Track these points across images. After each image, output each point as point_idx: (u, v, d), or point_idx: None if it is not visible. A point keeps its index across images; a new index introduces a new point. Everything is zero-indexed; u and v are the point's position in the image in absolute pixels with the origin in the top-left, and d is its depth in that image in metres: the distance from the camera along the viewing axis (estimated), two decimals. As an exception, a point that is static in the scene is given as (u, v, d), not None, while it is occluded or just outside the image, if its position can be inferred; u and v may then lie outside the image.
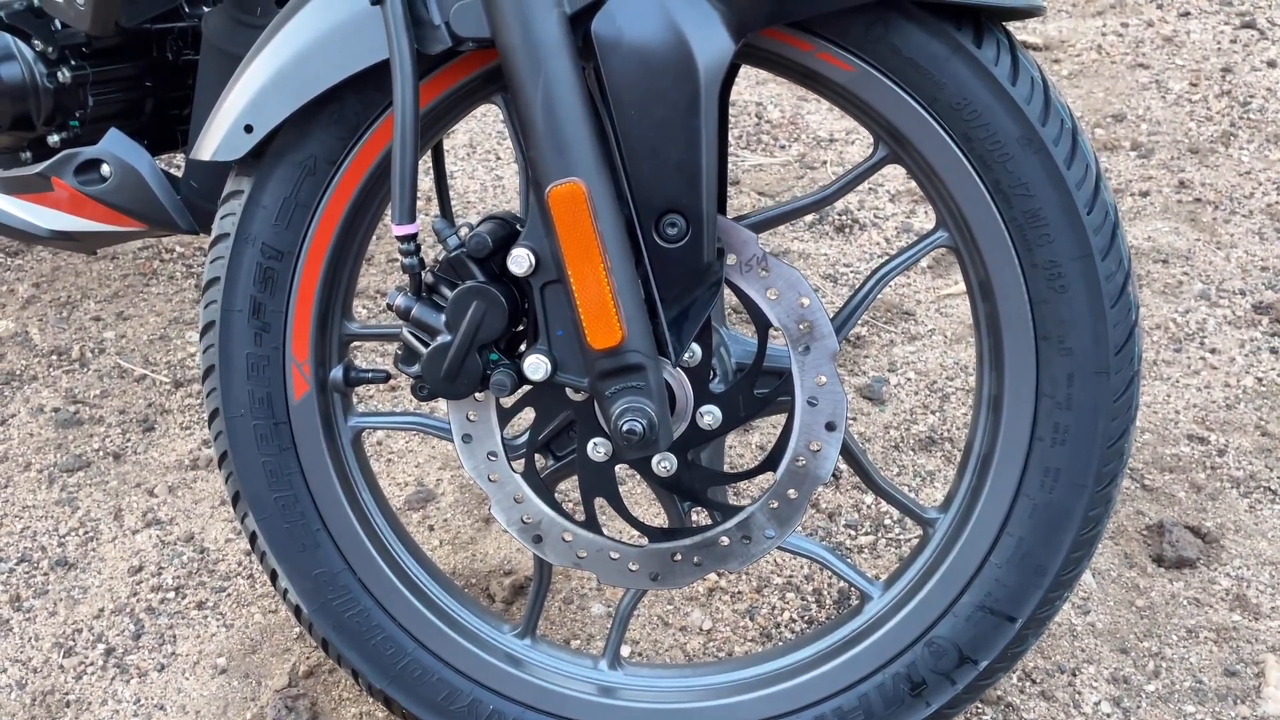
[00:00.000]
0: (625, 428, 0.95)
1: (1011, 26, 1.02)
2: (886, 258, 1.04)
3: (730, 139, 2.88)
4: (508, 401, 1.07)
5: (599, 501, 1.09)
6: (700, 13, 0.91)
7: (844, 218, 2.44)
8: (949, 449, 1.73)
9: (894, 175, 2.65)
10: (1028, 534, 1.05)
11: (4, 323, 2.11)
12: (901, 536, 1.57)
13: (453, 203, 2.66)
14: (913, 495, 1.62)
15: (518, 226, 1.02)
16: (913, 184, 2.57)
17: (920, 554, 1.11)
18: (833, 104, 1.03)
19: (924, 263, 2.28)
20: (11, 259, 2.35)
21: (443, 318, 0.99)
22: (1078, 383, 1.01)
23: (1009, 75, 0.96)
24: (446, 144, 2.91)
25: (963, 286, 1.85)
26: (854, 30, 0.96)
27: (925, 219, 2.45)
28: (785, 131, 2.93)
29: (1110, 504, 1.05)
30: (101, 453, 1.77)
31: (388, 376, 1.17)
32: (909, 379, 1.91)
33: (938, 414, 1.81)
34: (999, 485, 1.06)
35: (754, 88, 3.14)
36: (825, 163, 2.77)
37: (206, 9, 1.53)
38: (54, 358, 2.01)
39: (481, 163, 2.83)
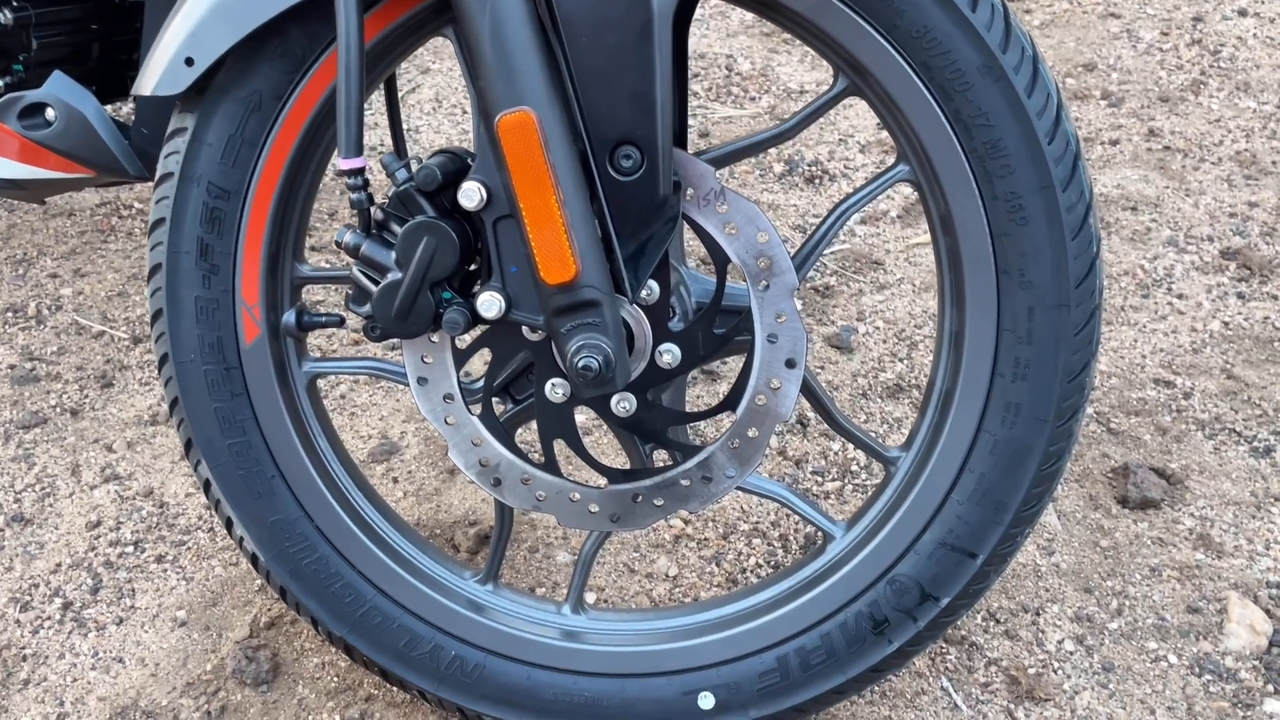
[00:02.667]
0: (581, 364, 0.93)
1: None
2: (849, 194, 1.02)
3: (700, 90, 2.86)
4: (463, 342, 1.05)
5: (559, 445, 1.07)
6: (653, -64, 0.88)
7: (814, 169, 2.42)
8: (916, 396, 1.73)
9: (865, 126, 2.63)
10: (989, 470, 1.05)
11: (-42, 280, 2.07)
12: (868, 482, 1.57)
13: (404, 139, 2.61)
14: (880, 440, 1.61)
15: (469, 160, 0.99)
16: (883, 135, 2.55)
17: (882, 493, 1.11)
18: (792, 34, 1.01)
19: (893, 212, 2.26)
20: (-35, 217, 2.30)
21: (393, 255, 0.96)
22: (1038, 316, 1.00)
23: (969, 2, 0.94)
24: (412, 98, 2.87)
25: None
26: (811, -44, 0.93)
27: (895, 169, 2.43)
28: (755, 83, 2.90)
29: (1071, 439, 1.04)
30: (59, 409, 1.73)
31: (342, 320, 1.15)
32: (877, 328, 1.90)
33: (905, 361, 1.81)
34: (960, 422, 1.05)
35: (724, 40, 3.10)
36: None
37: (152, -53, 1.49)
38: (9, 315, 1.97)
39: (447, 116, 2.79)
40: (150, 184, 1.45)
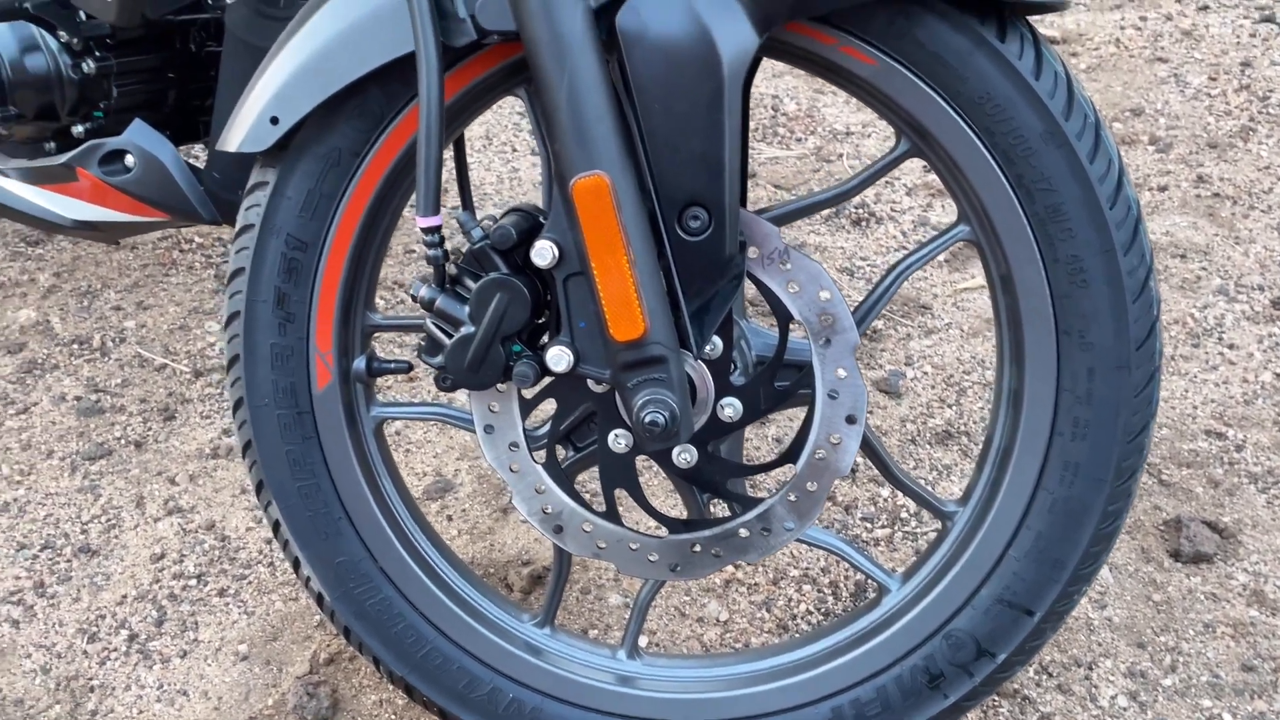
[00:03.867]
0: (647, 419, 0.96)
1: (1033, 20, 1.02)
2: (907, 251, 1.05)
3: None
4: (529, 393, 1.08)
5: (619, 492, 1.09)
6: (724, 6, 0.91)
7: (860, 211, 2.44)
8: (965, 443, 1.74)
9: (911, 169, 2.65)
10: (1047, 528, 1.05)
11: (26, 311, 2.13)
12: (918, 530, 1.57)
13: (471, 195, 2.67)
14: (930, 488, 1.62)
15: (540, 219, 1.02)
16: (930, 178, 2.56)
17: (939, 547, 1.12)
18: (855, 97, 1.03)
19: (941, 257, 2.27)
20: (32, 248, 2.37)
21: (466, 309, 0.99)
22: (1098, 377, 1.01)
23: (1033, 69, 0.96)
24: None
25: (980, 281, 1.85)
26: (877, 24, 0.96)
27: (942, 213, 2.45)
28: (802, 124, 2.92)
29: (1129, 499, 1.05)
30: (123, 441, 1.78)
31: (409, 367, 1.18)
32: (925, 373, 1.91)
33: (954, 408, 1.82)
34: (1018, 479, 1.06)
35: (770, 80, 3.14)
36: (841, 155, 2.77)
37: (229, 1, 1.54)
38: (75, 346, 2.02)
39: (498, 154, 2.84)
40: (214, 225, 1.50)
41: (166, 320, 2.11)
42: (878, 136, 2.87)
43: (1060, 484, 1.04)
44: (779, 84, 3.13)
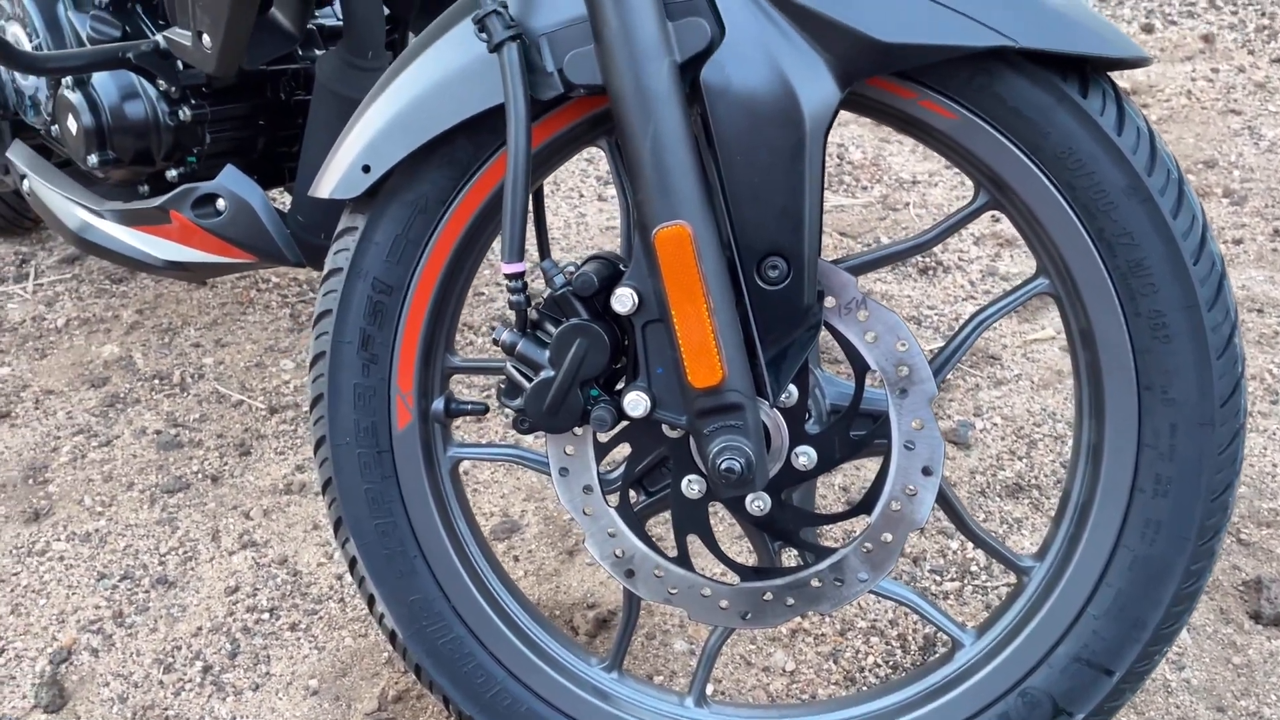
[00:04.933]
0: (724, 466, 0.96)
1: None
2: (986, 302, 1.05)
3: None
4: (604, 436, 1.09)
5: (689, 537, 1.10)
6: (807, 61, 0.93)
7: (927, 259, 2.43)
8: (1037, 496, 1.71)
9: (979, 218, 2.64)
10: (1127, 586, 1.04)
11: (110, 347, 2.20)
12: (988, 584, 1.55)
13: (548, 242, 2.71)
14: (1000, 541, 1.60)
15: (620, 266, 1.04)
16: (997, 227, 2.55)
17: (1015, 602, 1.10)
18: (932, 149, 1.04)
19: (1009, 307, 2.26)
20: (116, 285, 2.45)
21: (547, 353, 1.01)
22: (1181, 434, 1.00)
23: (1115, 125, 0.96)
24: (531, 181, 2.97)
25: (1049, 332, 1.83)
26: (958, 79, 0.97)
27: (1010, 263, 2.43)
28: (867, 173, 2.93)
29: (1213, 558, 1.03)
30: (200, 475, 1.83)
31: (486, 409, 1.20)
32: (995, 424, 1.89)
33: (1025, 460, 1.79)
34: (1098, 535, 1.05)
35: (836, 128, 3.15)
36: (908, 204, 2.77)
37: (319, 53, 1.60)
38: (156, 381, 2.09)
39: (565, 200, 2.89)
40: (298, 266, 1.54)
41: (243, 357, 2.16)
42: (944, 185, 2.87)
43: (1141, 541, 1.03)
44: (844, 132, 3.14)
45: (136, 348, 2.20)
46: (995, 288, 2.34)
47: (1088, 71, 0.97)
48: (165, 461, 1.86)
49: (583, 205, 2.86)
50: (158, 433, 1.93)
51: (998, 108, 0.97)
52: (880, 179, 2.90)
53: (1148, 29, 3.85)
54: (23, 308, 2.37)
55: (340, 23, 1.68)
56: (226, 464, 1.85)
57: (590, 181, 2.98)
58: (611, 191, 2.93)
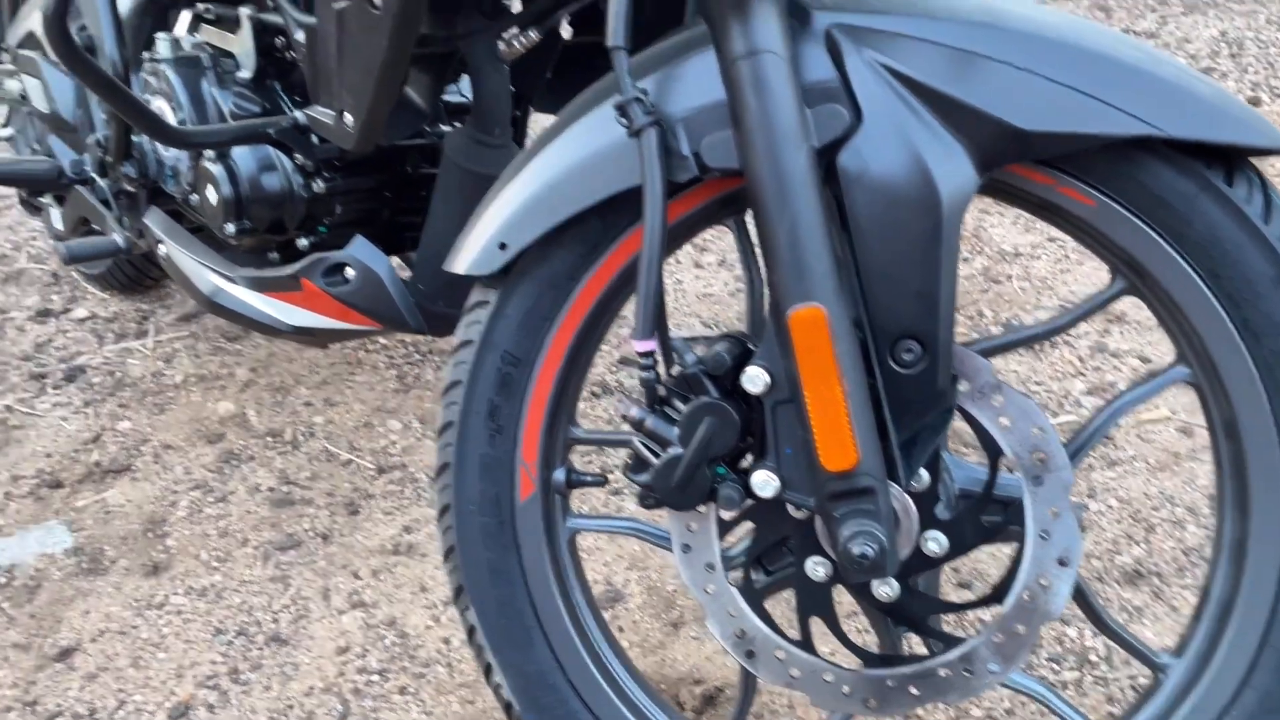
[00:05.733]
0: (856, 552, 0.95)
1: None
2: (1125, 389, 1.03)
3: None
4: (727, 514, 1.09)
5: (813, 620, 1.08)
6: (946, 147, 0.93)
7: (1033, 334, 2.39)
8: (1157, 584, 1.65)
9: (1083, 290, 2.59)
10: (1275, 689, 0.99)
11: (225, 404, 2.28)
12: (1108, 674, 1.50)
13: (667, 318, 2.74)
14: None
15: (750, 345, 1.05)
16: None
17: (1150, 699, 1.06)
18: (1068, 234, 1.03)
19: (1120, 384, 2.20)
20: (231, 343, 2.54)
21: (676, 430, 1.02)
22: (1334, 532, 0.96)
23: (1261, 213, 0.94)
24: (630, 248, 3.01)
25: (1164, 412, 1.78)
26: (1099, 166, 0.96)
27: (1120, 339, 2.38)
28: (968, 244, 2.91)
29: (1368, 663, 0.98)
30: (311, 533, 1.87)
31: (605, 480, 1.21)
32: (1110, 506, 1.83)
33: (1143, 545, 1.74)
34: (1242, 635, 1.01)
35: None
36: (1010, 277, 2.73)
37: (446, 129, 1.66)
38: (269, 439, 2.15)
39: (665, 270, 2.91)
40: (419, 334, 1.58)
41: (352, 417, 2.21)
42: (1047, 258, 2.83)
43: (1291, 642, 0.98)
44: (944, 203, 3.12)
45: (250, 405, 2.27)
46: (1104, 364, 2.29)
47: (1233, 158, 0.95)
48: (278, 519, 1.91)
49: (680, 272, 2.88)
50: (271, 490, 1.98)
51: (1140, 195, 0.96)
52: (981, 250, 2.88)
53: (1254, 103, 3.77)
54: (143, 364, 2.47)
55: (464, 99, 1.74)
56: (336, 523, 1.89)
57: (686, 248, 3.00)
58: (709, 259, 2.96)
